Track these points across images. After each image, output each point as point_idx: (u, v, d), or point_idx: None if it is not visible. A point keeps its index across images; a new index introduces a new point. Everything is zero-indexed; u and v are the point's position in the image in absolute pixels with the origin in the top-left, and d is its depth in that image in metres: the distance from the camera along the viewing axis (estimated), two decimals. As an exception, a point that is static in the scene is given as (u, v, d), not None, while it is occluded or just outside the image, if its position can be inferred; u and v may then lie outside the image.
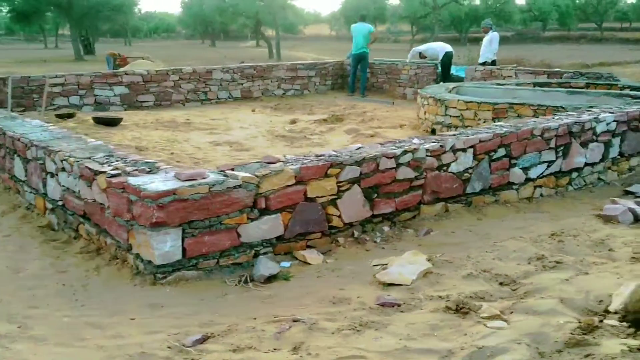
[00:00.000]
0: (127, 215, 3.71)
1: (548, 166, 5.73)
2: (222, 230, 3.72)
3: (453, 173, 4.97)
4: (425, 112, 9.50)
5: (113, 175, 3.83)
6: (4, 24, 57.92)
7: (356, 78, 14.73)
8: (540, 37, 64.09)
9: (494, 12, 65.02)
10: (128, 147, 7.83)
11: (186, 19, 70.72)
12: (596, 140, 6.14)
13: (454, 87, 10.55)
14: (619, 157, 6.45)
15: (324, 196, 4.18)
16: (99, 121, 9.53)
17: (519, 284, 3.29)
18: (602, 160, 6.26)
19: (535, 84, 11.14)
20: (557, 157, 5.79)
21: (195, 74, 13.71)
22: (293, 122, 10.86)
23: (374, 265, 3.78)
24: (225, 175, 3.80)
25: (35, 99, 11.89)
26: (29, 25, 47.38)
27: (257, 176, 3.82)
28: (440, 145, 4.84)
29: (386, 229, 4.52)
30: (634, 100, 7.74)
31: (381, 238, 4.37)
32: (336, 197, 4.26)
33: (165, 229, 3.48)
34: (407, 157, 4.61)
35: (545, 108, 7.88)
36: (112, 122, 9.52)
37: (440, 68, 14.16)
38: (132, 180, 3.62)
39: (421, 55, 15.19)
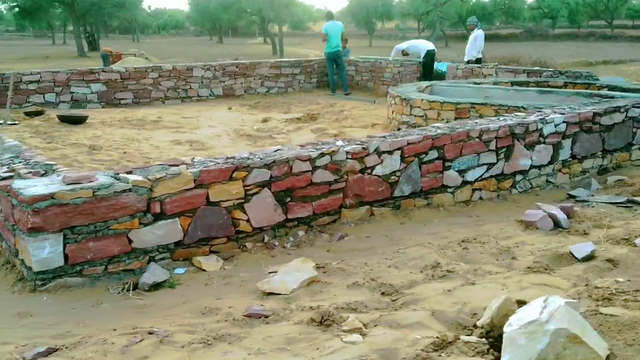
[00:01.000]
0: (11, 220, 3.61)
1: (488, 169, 5.58)
2: (110, 235, 3.61)
3: (378, 176, 4.84)
4: (392, 112, 9.36)
5: (4, 178, 3.72)
6: (15, 21, 58.12)
7: (335, 77, 14.58)
8: (549, 35, 63.58)
9: (502, 9, 64.68)
10: (82, 146, 7.75)
11: (194, 15, 70.81)
12: (544, 142, 5.97)
13: (427, 86, 10.40)
14: (570, 159, 6.27)
15: (229, 200, 4.06)
16: (64, 119, 9.47)
17: (401, 294, 3.17)
18: (550, 162, 6.10)
19: (512, 83, 10.96)
20: (498, 160, 5.63)
21: (176, 71, 13.65)
22: (265, 120, 10.75)
23: (269, 273, 3.66)
24: (117, 179, 3.68)
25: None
26: (34, 22, 47.43)
27: (150, 180, 3.70)
28: (363, 148, 4.71)
29: (301, 233, 4.40)
30: (604, 100, 7.56)
31: (293, 243, 4.25)
32: (244, 201, 4.13)
33: (43, 235, 3.38)
34: (325, 160, 4.49)
35: (506, 108, 7.72)
36: (77, 120, 9.45)
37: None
38: (15, 184, 3.52)
39: (404, 53, 15.03)
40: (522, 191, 5.90)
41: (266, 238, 4.26)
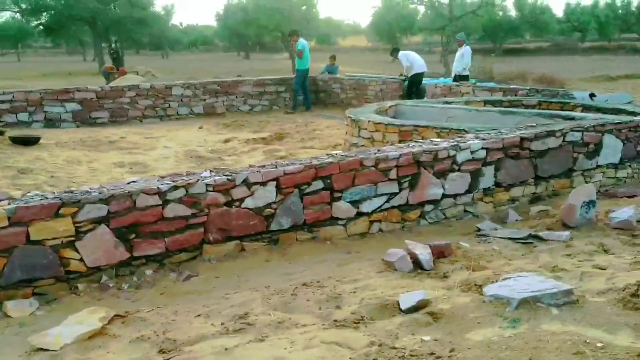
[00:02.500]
0: None
1: (389, 199, 5.23)
2: None
3: (249, 209, 4.52)
4: (345, 133, 9.03)
5: None
6: (39, 38, 59.34)
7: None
8: (577, 48, 62.52)
9: (529, 22, 63.78)
10: (13, 169, 7.60)
11: (222, 32, 71.47)
12: (458, 170, 5.59)
13: (391, 106, 10.06)
14: (494, 187, 5.87)
15: (56, 238, 3.78)
16: (15, 140, 9.34)
17: (178, 352, 2.85)
18: (469, 191, 5.71)
19: (485, 102, 10.58)
20: (401, 189, 5.28)
21: (154, 90, 13.52)
22: (227, 141, 10.55)
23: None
24: None
25: (-18, 115, 11.81)
26: (58, 39, 48.28)
27: (-46, 218, 3.45)
28: (229, 179, 4.41)
29: (149, 272, 4.11)
30: (565, 121, 7.16)
31: (133, 284, 3.96)
32: (75, 238, 3.85)
33: None
34: (179, 193, 4.20)
35: (448, 130, 7.35)
36: (28, 142, 9.32)
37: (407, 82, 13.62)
38: None
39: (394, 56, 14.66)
40: (433, 222, 5.51)
41: (104, 278, 3.97)
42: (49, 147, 9.38)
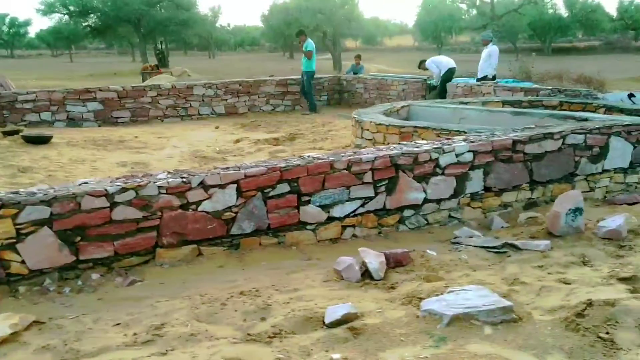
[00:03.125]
0: None
1: (364, 203, 5.01)
2: None
3: (207, 212, 4.38)
4: (352, 134, 8.84)
5: None
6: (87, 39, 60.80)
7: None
8: (630, 47, 60.81)
9: (580, 20, 62.24)
10: (15, 167, 7.65)
11: (267, 32, 72.03)
12: (442, 174, 5.33)
13: (404, 106, 9.80)
14: (483, 192, 5.59)
15: (-5, 240, 3.70)
16: (27, 139, 9.44)
17: (74, 365, 2.72)
18: (454, 196, 5.44)
19: (504, 102, 10.21)
20: (377, 193, 5.06)
21: (175, 89, 13.53)
22: (237, 141, 10.45)
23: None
24: None
25: (5, 115, 12.02)
26: (105, 40, 49.32)
27: None
28: (184, 182, 4.27)
29: (95, 276, 4.01)
30: (579, 123, 6.82)
31: (74, 289, 3.86)
32: (16, 240, 3.77)
33: None
34: (128, 195, 4.08)
35: (447, 132, 7.09)
36: (39, 140, 9.41)
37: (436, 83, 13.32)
38: None
39: (421, 67, 14.33)
40: (413, 228, 5.27)
41: (47, 281, 3.88)
42: (59, 146, 9.44)
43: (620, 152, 6.45)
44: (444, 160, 5.32)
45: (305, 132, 11.23)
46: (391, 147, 5.30)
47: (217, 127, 12.08)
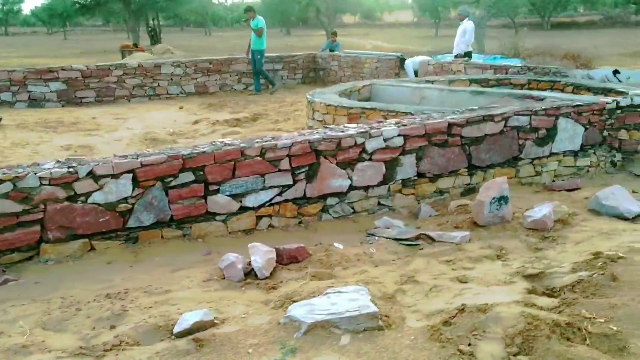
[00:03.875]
0: None
1: (281, 192, 4.72)
2: None
3: (98, 204, 4.09)
4: (305, 115, 8.52)
5: None
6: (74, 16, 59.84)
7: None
8: (630, 22, 60.10)
9: (581, -6, 61.36)
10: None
11: (263, 8, 71.29)
12: (370, 159, 5.03)
13: (366, 85, 9.46)
14: (416, 178, 5.29)
15: None
16: (-25, 121, 9.15)
17: None
18: (383, 182, 5.15)
19: (471, 81, 9.87)
20: (295, 181, 4.76)
21: (142, 68, 13.18)
22: (196, 122, 10.14)
23: None
24: None
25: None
26: (94, 17, 48.67)
27: None
28: (70, 172, 3.97)
29: (-29, 274, 3.71)
30: (537, 102, 6.51)
31: (-56, 288, 3.58)
32: None
33: None
34: (5, 188, 3.79)
35: (394, 113, 6.78)
36: (-13, 123, 9.12)
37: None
38: None
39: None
40: (338, 217, 4.98)
41: None
42: (7, 129, 9.16)
43: (569, 134, 6.15)
44: (371, 145, 5.01)
45: (271, 113, 10.91)
46: (312, 132, 4.99)
47: (181, 107, 11.76)
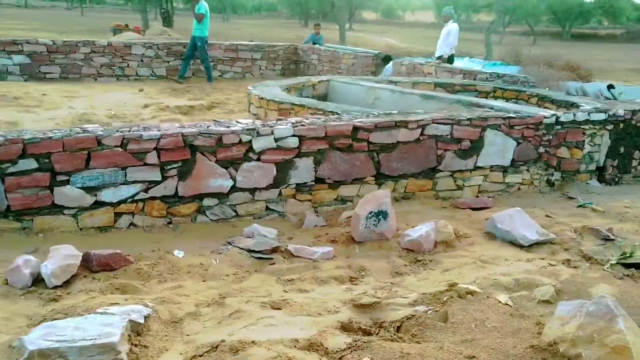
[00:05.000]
0: None
1: (147, 188, 4.29)
2: None
3: None
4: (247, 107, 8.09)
5: None
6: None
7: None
8: (652, 36, 59.10)
9: (603, 7, 60.56)
10: None
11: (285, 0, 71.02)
12: (258, 159, 4.58)
13: (324, 81, 9.03)
14: (313, 183, 4.84)
15: None
16: None
17: None
18: (274, 185, 4.70)
19: (436, 84, 9.39)
20: (165, 177, 4.33)
21: (111, 47, 12.77)
22: (145, 106, 9.72)
23: None
24: None
25: None
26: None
27: None
28: None
29: None
30: (484, 110, 6.05)
31: None
32: None
33: None
34: None
35: (322, 111, 6.34)
36: None
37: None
38: None
39: None
40: (217, 219, 4.55)
41: None
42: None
43: (499, 148, 5.67)
44: (259, 144, 4.57)
45: (231, 102, 10.50)
46: (189, 125, 4.54)
47: (141, 90, 11.36)
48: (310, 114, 6.39)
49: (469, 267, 3.68)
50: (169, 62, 13.32)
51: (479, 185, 5.66)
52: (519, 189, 5.88)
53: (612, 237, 4.40)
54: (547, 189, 6.02)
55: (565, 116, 5.96)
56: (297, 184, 4.83)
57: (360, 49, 13.49)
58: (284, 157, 4.71)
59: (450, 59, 12.78)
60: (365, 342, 2.45)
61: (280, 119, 5.01)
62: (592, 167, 6.31)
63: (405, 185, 5.29)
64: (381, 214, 4.06)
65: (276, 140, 4.64)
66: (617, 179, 6.47)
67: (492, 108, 6.46)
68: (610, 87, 11.08)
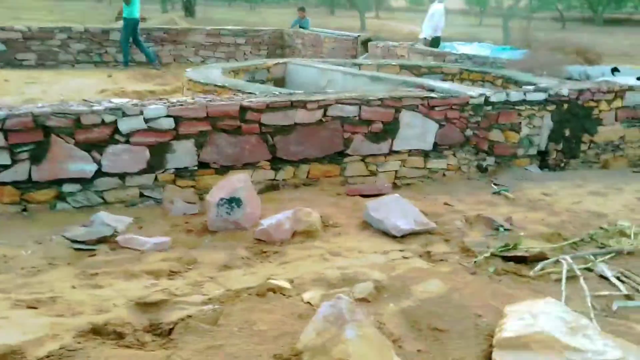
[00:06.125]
0: None
1: (-9, 172, 3.96)
2: None
3: None
4: (188, 90, 7.76)
5: None
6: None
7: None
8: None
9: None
10: None
11: (304, -14, 70.34)
12: (127, 142, 4.24)
13: (277, 64, 8.65)
14: (196, 168, 4.51)
15: None
16: None
17: None
18: (148, 170, 4.36)
19: (401, 67, 8.93)
20: (15, 161, 4.02)
21: (89, 33, 12.55)
22: (101, 91, 9.45)
23: None
24: None
25: None
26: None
27: None
28: None
29: None
30: (428, 92, 5.62)
31: None
32: None
33: None
34: None
35: (241, 92, 5.97)
36: None
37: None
38: None
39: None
40: (80, 206, 4.22)
41: None
42: None
43: (418, 131, 5.23)
44: (127, 126, 4.23)
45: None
46: (44, 105, 4.20)
47: (109, 76, 11.11)
48: (233, 93, 6.01)
49: (311, 260, 3.28)
50: (148, 47, 12.99)
51: (396, 171, 5.23)
52: (444, 175, 5.42)
53: (506, 227, 3.94)
54: (477, 175, 5.54)
55: (496, 96, 5.47)
56: (177, 169, 4.47)
57: (340, 32, 12.99)
58: (158, 140, 4.35)
59: (435, 41, 12.26)
60: (72, 351, 2.07)
61: (162, 99, 4.63)
62: (533, 151, 5.81)
63: (307, 171, 4.89)
64: (234, 201, 3.68)
65: (147, 121, 4.28)
66: (563, 164, 5.94)
67: (433, 90, 6.00)
68: (614, 70, 10.47)
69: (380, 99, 5.02)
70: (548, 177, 5.53)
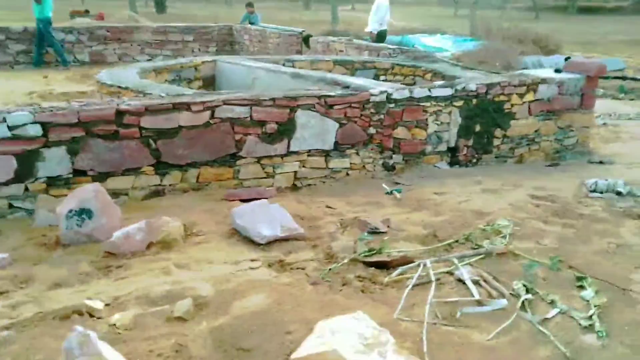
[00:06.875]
0: None
1: None
2: None
3: None
4: (108, 91, 7.54)
5: None
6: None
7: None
8: (659, 9, 57.63)
9: (609, -21, 59.14)
10: None
11: (286, -19, 70.10)
12: (-9, 151, 4.04)
13: (206, 62, 8.47)
14: (71, 176, 4.31)
15: None
16: None
17: None
18: (17, 180, 4.16)
19: (335, 62, 8.80)
20: None
21: (28, 33, 12.25)
22: (29, 93, 9.20)
23: None
24: None
25: None
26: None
27: None
28: None
29: None
30: (343, 90, 5.46)
31: None
32: None
33: None
34: None
35: (142, 94, 5.80)
36: None
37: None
38: None
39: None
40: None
41: None
42: None
43: (317, 131, 5.08)
44: (-9, 132, 3.99)
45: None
46: None
47: (45, 77, 10.86)
48: (134, 96, 5.82)
49: (150, 275, 3.11)
50: (91, 47, 12.77)
51: (295, 172, 5.06)
52: (347, 174, 5.26)
53: (381, 230, 3.80)
54: (383, 173, 5.38)
55: (398, 93, 5.32)
56: (50, 178, 4.27)
57: (284, 27, 12.79)
58: (25, 148, 4.14)
59: (381, 35, 12.11)
60: None
61: (33, 105, 4.43)
62: (443, 148, 5.67)
63: (197, 175, 4.69)
64: (84, 212, 3.50)
65: (11, 128, 4.06)
66: (475, 160, 5.81)
67: (348, 86, 5.85)
68: (567, 59, 10.43)
69: (272, 99, 4.85)
70: (453, 173, 5.39)
